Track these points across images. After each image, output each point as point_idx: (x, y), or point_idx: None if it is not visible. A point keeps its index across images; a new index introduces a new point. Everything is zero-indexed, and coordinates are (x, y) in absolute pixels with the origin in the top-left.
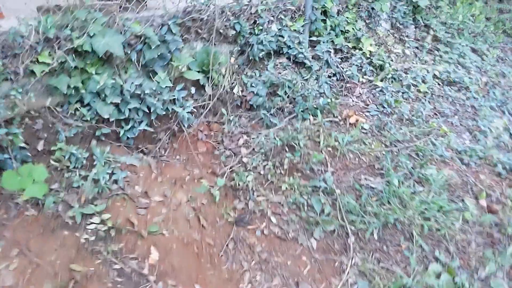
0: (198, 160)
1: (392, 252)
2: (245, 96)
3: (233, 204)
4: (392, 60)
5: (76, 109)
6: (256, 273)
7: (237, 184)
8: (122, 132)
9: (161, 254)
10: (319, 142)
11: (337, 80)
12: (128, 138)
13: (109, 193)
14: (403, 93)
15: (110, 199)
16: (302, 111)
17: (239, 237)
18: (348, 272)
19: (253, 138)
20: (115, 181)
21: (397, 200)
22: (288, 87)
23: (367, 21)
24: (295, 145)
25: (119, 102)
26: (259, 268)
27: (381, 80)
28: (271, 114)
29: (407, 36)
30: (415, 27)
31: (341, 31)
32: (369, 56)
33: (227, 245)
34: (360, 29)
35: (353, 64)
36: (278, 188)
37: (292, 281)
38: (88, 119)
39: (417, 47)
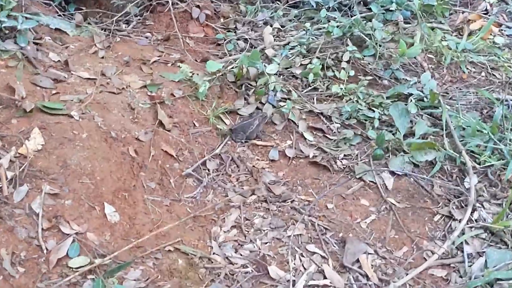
0: (183, 45)
1: None
2: None
3: (232, 106)
4: None
5: None
6: (253, 213)
7: (245, 74)
8: None
9: (50, 143)
10: (412, 44)
11: None
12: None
13: None
14: None
15: None
16: (385, 9)
17: (232, 155)
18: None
19: (290, 33)
20: (13, 40)
21: None
22: None
23: None
24: (366, 39)
25: None
26: (263, 209)
27: None
28: (328, 9)
29: None
30: None
31: None
32: None
33: (203, 164)
34: None
35: None
36: (324, 97)
37: (335, 239)
38: None
39: None
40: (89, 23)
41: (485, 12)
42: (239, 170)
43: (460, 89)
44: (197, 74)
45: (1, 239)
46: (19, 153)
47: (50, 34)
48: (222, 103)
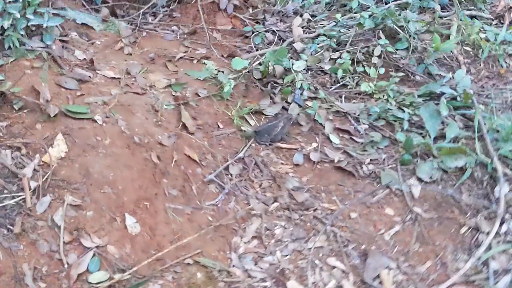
0: (210, 38)
1: None
2: None
3: (258, 105)
4: None
5: None
6: (274, 223)
7: (272, 72)
8: None
9: (73, 150)
10: (448, 36)
11: None
12: None
13: (20, 46)
14: None
15: (16, 54)
16: None
17: (256, 159)
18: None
19: (321, 23)
20: (40, 38)
21: None
22: None
23: None
24: (400, 30)
25: None
26: (285, 217)
27: None
28: None
29: None
30: None
31: None
32: None
33: (226, 168)
34: None
35: None
36: (353, 94)
37: (357, 251)
38: None
39: None
40: (116, 16)
41: None
42: (262, 175)
43: (497, 85)
44: (222, 72)
45: (24, 253)
46: (42, 161)
47: (76, 29)
48: (247, 102)
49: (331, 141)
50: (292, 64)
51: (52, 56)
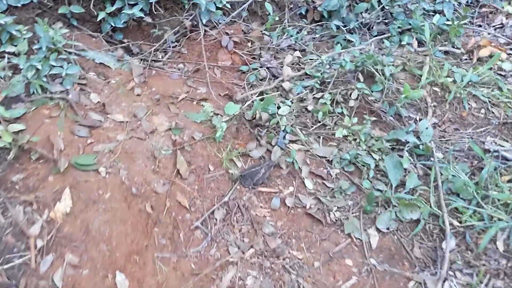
0: (211, 75)
1: None
2: (315, 1)
3: (245, 148)
4: None
5: None
6: (247, 272)
7: (259, 117)
8: (101, 16)
9: (78, 205)
10: (420, 76)
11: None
12: (112, 27)
13: (41, 95)
14: None
15: (37, 103)
16: (400, 31)
17: (239, 202)
18: None
19: (309, 60)
20: (60, 81)
21: None
22: None
23: None
24: (377, 73)
25: None
26: (258, 265)
27: None
28: (349, 31)
29: None
30: None
31: None
32: None
33: (212, 213)
34: None
35: None
36: (330, 135)
37: None
38: None
39: None
40: (131, 52)
41: (501, 25)
42: (243, 219)
43: (458, 129)
44: (217, 116)
45: None
46: (50, 217)
47: (94, 68)
48: (237, 144)
49: (305, 186)
50: (278, 108)
51: (69, 103)
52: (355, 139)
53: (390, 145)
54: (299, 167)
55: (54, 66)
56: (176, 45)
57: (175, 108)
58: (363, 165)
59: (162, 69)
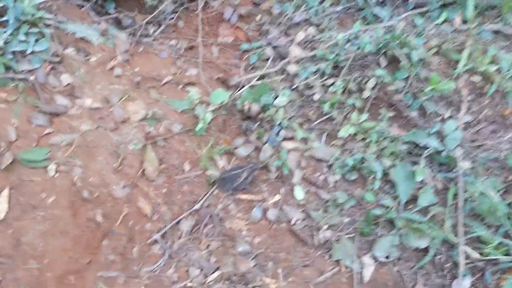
0: (208, 54)
1: None
2: None
3: (231, 145)
4: None
5: None
6: None
7: (249, 109)
8: None
9: (14, 211)
10: (457, 62)
11: None
12: None
13: (3, 74)
14: None
15: None
16: (442, 4)
17: (213, 211)
18: None
19: (327, 38)
20: (27, 59)
21: None
22: None
23: None
24: (402, 58)
25: None
26: None
27: None
28: (379, 2)
29: None
30: None
31: None
32: None
33: (177, 223)
34: None
35: None
36: (336, 132)
37: None
38: None
39: None
40: (120, 24)
41: None
42: (214, 233)
43: (496, 132)
44: (201, 105)
45: None
46: None
47: (74, 43)
48: (222, 140)
49: (294, 195)
50: (276, 98)
51: (32, 85)
52: (364, 139)
53: (406, 149)
54: (290, 171)
55: (23, 42)
56: (173, 17)
57: (157, 93)
58: (369, 173)
59: (151, 45)
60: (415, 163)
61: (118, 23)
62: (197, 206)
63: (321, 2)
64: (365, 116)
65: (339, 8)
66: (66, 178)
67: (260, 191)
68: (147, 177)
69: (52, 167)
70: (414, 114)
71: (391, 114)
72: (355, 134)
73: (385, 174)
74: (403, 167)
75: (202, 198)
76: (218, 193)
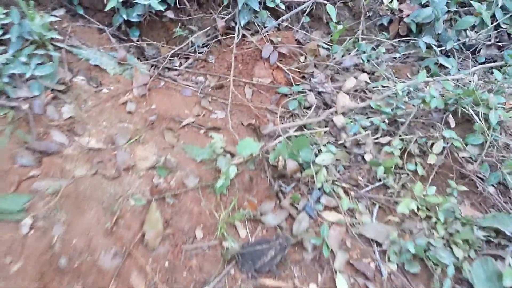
0: (240, 96)
1: None
2: (402, 10)
3: (256, 211)
4: None
5: None
6: None
7: (284, 165)
8: (111, 4)
9: None
10: None
11: None
12: (126, 21)
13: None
14: None
15: None
16: None
17: None
18: None
19: (381, 88)
20: (27, 85)
21: None
22: None
23: None
24: (477, 118)
25: None
26: None
27: None
28: (445, 52)
29: None
30: None
31: None
32: None
33: None
34: None
35: None
36: (392, 205)
37: None
38: None
39: None
40: (143, 54)
41: None
42: None
43: None
44: (225, 155)
45: None
46: None
47: (86, 71)
48: (247, 202)
49: (336, 286)
50: (316, 155)
51: (25, 116)
52: (429, 218)
53: (485, 236)
54: (331, 253)
55: (24, 64)
56: (203, 52)
57: (173, 136)
58: (435, 265)
59: (174, 80)
60: (498, 256)
61: (140, 53)
62: None
63: (375, 48)
64: (432, 189)
65: (396, 55)
66: (42, 238)
67: (290, 276)
68: (147, 244)
69: (27, 221)
70: (492, 190)
71: (462, 188)
72: (416, 211)
73: (457, 269)
74: (484, 264)
75: (214, 279)
76: (235, 274)
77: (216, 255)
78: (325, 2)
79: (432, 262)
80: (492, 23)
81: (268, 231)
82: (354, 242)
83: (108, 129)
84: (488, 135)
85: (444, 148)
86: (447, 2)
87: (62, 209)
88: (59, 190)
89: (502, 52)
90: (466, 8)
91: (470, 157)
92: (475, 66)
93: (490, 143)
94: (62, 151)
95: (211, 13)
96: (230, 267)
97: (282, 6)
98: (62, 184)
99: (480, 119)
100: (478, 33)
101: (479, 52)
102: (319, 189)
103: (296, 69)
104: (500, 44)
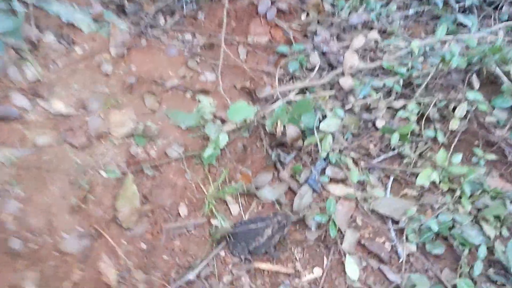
0: (233, 56)
1: None
2: None
3: (250, 184)
4: None
5: None
6: None
7: (283, 132)
8: None
9: None
10: None
11: None
12: None
13: None
14: None
15: None
16: None
17: (215, 286)
18: None
19: (393, 46)
20: None
21: None
22: None
23: None
24: (504, 78)
25: None
26: None
27: None
28: (463, 9)
29: None
30: None
31: None
32: None
33: None
34: None
35: None
36: (409, 177)
37: None
38: None
39: None
40: (123, 11)
41: None
42: None
43: None
44: (215, 121)
45: None
46: None
47: (57, 28)
48: (240, 174)
49: (345, 271)
50: (320, 121)
51: None
52: (453, 191)
53: None
54: (339, 232)
55: None
56: (192, 7)
57: (155, 100)
58: (462, 245)
59: (158, 38)
60: None
61: (120, 10)
62: (191, 276)
63: (384, 6)
64: (458, 157)
65: (409, 12)
66: None
67: (290, 259)
68: (120, 223)
69: None
70: None
71: (490, 156)
72: (437, 184)
73: (489, 248)
74: None
75: (200, 263)
76: (225, 257)
77: (203, 235)
78: None
79: (458, 241)
80: None
81: (264, 207)
82: (366, 219)
83: (80, 92)
84: None
85: (467, 112)
86: None
87: (20, 182)
88: (17, 161)
89: None
90: None
91: (498, 122)
92: (498, 24)
93: None
94: (24, 117)
95: None
96: (220, 249)
97: None
98: (21, 154)
99: (509, 79)
100: None
101: (501, 8)
102: (324, 159)
103: (297, 27)
104: None
